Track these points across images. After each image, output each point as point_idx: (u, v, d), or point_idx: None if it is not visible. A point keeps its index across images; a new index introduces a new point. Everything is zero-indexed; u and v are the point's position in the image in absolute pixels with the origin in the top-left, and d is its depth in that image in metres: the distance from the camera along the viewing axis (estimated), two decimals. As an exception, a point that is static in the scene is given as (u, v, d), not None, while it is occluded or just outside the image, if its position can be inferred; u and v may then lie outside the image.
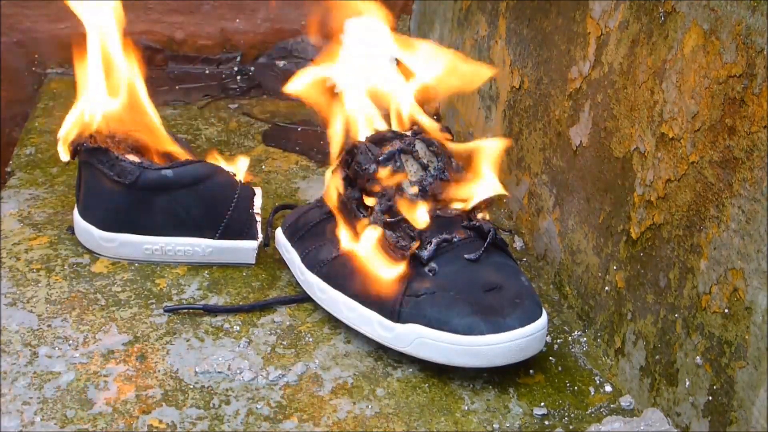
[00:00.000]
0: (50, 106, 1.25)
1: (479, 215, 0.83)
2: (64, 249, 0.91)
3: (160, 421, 0.70)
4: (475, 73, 0.94)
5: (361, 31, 0.91)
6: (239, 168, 0.95)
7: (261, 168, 1.12)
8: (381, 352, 0.80)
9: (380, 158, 0.81)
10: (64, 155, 0.90)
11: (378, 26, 0.92)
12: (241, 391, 0.74)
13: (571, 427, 0.73)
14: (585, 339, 0.83)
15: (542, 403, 0.75)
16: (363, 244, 0.80)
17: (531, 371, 0.79)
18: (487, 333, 0.74)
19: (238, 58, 1.40)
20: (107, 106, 0.91)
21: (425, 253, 0.78)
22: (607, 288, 0.80)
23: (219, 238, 0.90)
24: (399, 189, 0.81)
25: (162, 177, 0.88)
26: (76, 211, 0.92)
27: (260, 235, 0.91)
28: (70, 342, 0.78)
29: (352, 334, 0.82)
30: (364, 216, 0.82)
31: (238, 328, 0.82)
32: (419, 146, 0.83)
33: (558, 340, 0.83)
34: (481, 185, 0.83)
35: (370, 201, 0.82)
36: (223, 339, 0.80)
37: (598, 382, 0.78)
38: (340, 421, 0.72)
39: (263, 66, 1.38)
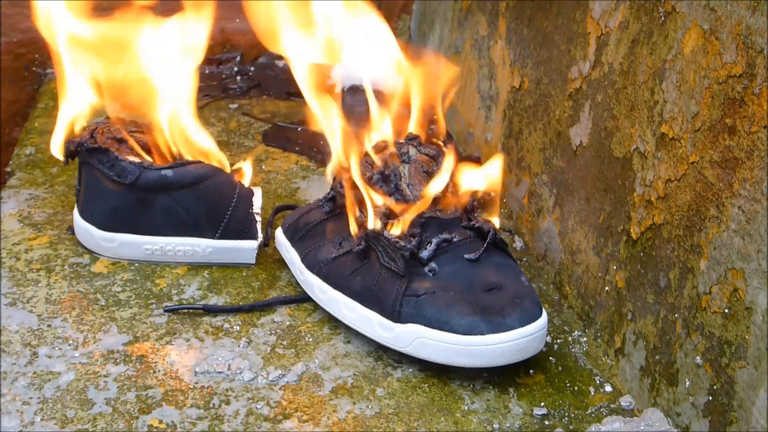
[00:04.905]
0: (50, 106, 1.25)
1: (477, 215, 0.83)
2: (64, 249, 0.91)
3: (160, 421, 0.70)
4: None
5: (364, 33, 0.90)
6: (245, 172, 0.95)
7: (261, 168, 1.12)
8: (381, 352, 0.80)
9: (377, 164, 0.82)
10: (60, 156, 0.90)
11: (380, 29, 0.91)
12: (241, 391, 0.74)
13: (571, 427, 0.73)
14: (585, 339, 0.83)
15: (542, 403, 0.75)
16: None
17: (531, 371, 0.79)
18: (487, 333, 0.74)
19: (238, 58, 1.40)
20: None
21: (425, 253, 0.78)
22: (607, 288, 0.80)
23: (219, 238, 0.90)
24: (398, 192, 0.81)
25: (162, 177, 0.88)
26: (76, 211, 0.92)
27: (260, 235, 0.91)
28: (70, 342, 0.78)
29: (352, 334, 0.82)
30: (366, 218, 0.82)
31: (238, 328, 0.82)
32: (413, 152, 0.84)
33: (558, 340, 0.83)
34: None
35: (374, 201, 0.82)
36: (223, 339, 0.80)
37: (598, 382, 0.78)
38: (340, 421, 0.72)
39: (263, 66, 1.38)
